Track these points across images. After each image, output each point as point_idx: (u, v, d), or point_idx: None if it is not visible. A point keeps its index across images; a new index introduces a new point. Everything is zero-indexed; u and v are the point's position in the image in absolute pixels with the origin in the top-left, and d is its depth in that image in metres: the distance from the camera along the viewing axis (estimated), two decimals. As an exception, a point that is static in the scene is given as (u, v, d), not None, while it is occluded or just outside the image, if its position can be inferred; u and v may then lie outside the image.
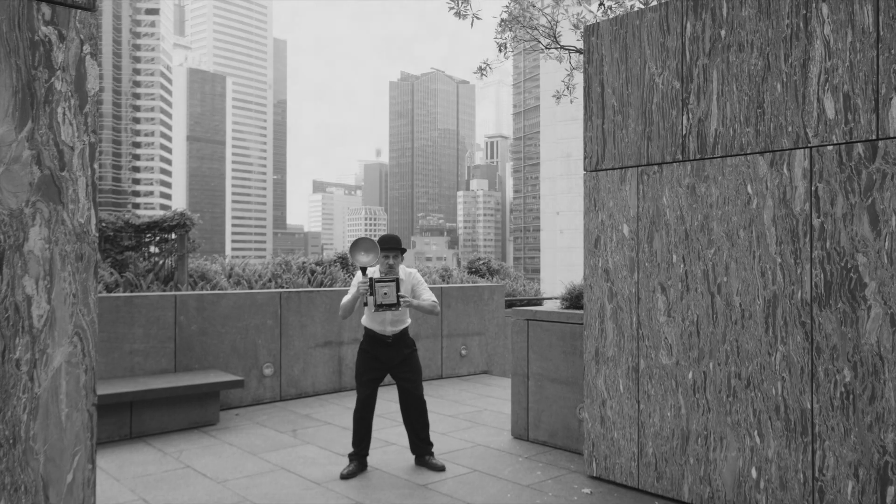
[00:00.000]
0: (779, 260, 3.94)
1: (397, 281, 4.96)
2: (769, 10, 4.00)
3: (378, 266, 5.15)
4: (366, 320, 5.23)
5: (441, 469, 5.12)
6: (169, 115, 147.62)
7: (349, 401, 7.54)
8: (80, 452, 2.39)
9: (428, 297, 5.21)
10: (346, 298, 5.15)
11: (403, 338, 5.25)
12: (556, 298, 9.02)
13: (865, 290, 3.60)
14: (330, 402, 7.47)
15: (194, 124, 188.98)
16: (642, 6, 7.96)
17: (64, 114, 2.35)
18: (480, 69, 9.68)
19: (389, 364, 5.25)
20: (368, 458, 5.34)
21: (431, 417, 6.71)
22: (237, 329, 7.30)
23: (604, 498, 4.56)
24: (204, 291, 8.83)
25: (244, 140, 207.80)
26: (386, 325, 5.16)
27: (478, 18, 8.86)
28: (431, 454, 5.27)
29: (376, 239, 5.10)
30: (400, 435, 6.04)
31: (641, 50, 4.66)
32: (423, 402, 5.33)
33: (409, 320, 5.28)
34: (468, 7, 8.72)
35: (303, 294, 7.88)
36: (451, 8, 8.68)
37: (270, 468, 5.17)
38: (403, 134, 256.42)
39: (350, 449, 5.32)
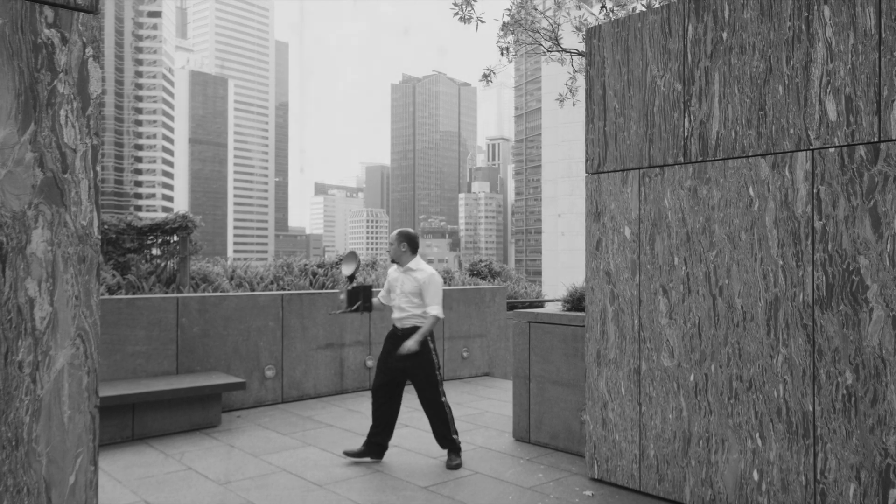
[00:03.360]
0: (780, 262, 3.94)
1: (350, 290, 5.42)
2: (771, 12, 4.00)
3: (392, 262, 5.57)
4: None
5: (453, 468, 5.15)
6: (171, 118, 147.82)
7: (351, 402, 7.54)
8: (83, 454, 2.39)
9: (428, 304, 5.21)
10: None
11: (412, 334, 5.22)
12: (557, 300, 9.03)
13: (867, 292, 3.59)
14: (332, 405, 7.47)
15: (196, 127, 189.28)
16: (644, 9, 7.97)
17: (66, 116, 2.35)
18: (485, 76, 9.70)
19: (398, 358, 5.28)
20: (370, 461, 5.37)
21: (433, 420, 6.72)
22: (239, 331, 7.30)
23: (605, 500, 4.55)
24: (206, 293, 8.84)
25: (246, 142, 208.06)
26: (395, 315, 5.36)
27: (481, 22, 8.88)
28: (450, 452, 5.28)
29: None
30: (402, 437, 6.04)
31: (643, 52, 4.66)
32: (434, 403, 5.28)
33: (419, 319, 5.27)
34: (471, 10, 8.75)
35: (304, 296, 7.88)
36: (456, 13, 8.71)
37: (272, 470, 5.17)
38: (405, 136, 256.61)
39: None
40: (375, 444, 5.38)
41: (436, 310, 5.21)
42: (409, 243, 5.38)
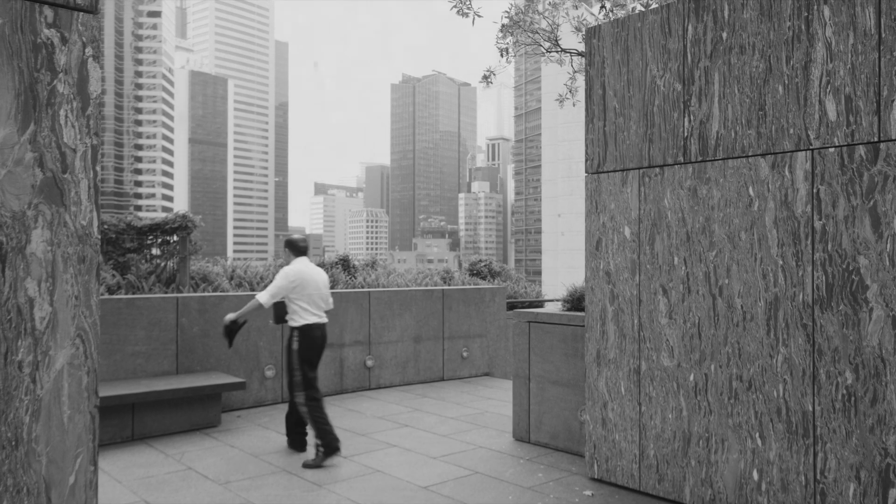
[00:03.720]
0: (780, 262, 3.94)
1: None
2: (771, 12, 4.00)
3: None
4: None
5: (306, 465, 5.29)
6: (171, 118, 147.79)
7: (351, 402, 7.54)
8: (83, 454, 2.39)
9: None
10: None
11: (292, 333, 5.58)
12: (557, 300, 9.03)
13: (867, 292, 3.59)
14: (331, 404, 7.47)
15: (196, 126, 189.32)
16: (642, 9, 7.97)
17: (66, 116, 2.35)
18: (485, 77, 9.69)
19: None
20: (370, 460, 5.38)
21: (432, 419, 6.72)
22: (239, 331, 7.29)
23: (605, 500, 4.55)
24: (206, 293, 8.83)
25: (246, 142, 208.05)
26: None
27: (479, 17, 8.88)
28: (317, 449, 5.38)
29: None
30: (402, 436, 6.05)
31: (643, 52, 4.66)
32: (292, 402, 5.61)
33: (290, 319, 5.59)
34: (469, 5, 8.76)
35: (304, 296, 7.87)
36: (454, 7, 8.72)
37: (272, 470, 5.17)
38: (405, 136, 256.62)
39: (349, 450, 5.44)
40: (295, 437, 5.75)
41: (262, 296, 5.47)
42: (290, 248, 5.77)
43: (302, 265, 5.56)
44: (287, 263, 5.73)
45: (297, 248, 5.73)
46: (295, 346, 5.48)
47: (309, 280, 5.52)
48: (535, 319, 5.95)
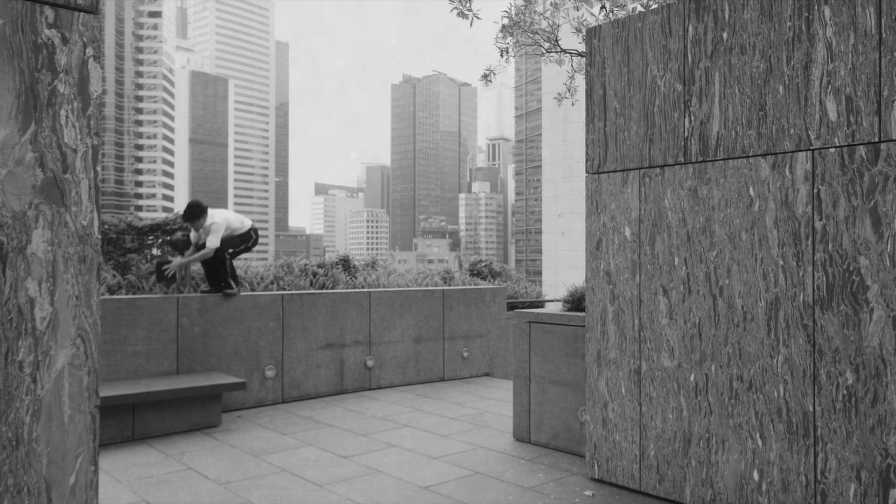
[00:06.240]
0: (781, 262, 3.94)
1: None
2: (771, 12, 4.00)
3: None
4: None
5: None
6: (171, 118, 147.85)
7: (351, 403, 7.54)
8: (83, 454, 2.39)
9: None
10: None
11: None
12: (557, 301, 9.03)
13: (868, 292, 3.59)
14: (332, 405, 7.47)
15: (196, 127, 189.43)
16: (643, 9, 7.96)
17: (67, 116, 2.35)
18: (485, 76, 9.70)
19: None
20: (370, 460, 5.38)
21: (433, 420, 6.73)
22: (239, 331, 7.30)
23: (605, 500, 4.55)
24: (206, 293, 8.82)
25: (246, 142, 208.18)
26: None
27: (478, 18, 8.89)
28: None
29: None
30: (402, 437, 6.05)
31: (643, 52, 4.66)
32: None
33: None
34: (469, 6, 8.76)
35: (305, 296, 7.89)
36: (454, 8, 8.72)
37: (273, 470, 5.18)
38: (405, 136, 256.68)
39: (350, 450, 5.39)
40: None
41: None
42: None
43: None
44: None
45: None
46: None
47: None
48: (535, 320, 5.95)
